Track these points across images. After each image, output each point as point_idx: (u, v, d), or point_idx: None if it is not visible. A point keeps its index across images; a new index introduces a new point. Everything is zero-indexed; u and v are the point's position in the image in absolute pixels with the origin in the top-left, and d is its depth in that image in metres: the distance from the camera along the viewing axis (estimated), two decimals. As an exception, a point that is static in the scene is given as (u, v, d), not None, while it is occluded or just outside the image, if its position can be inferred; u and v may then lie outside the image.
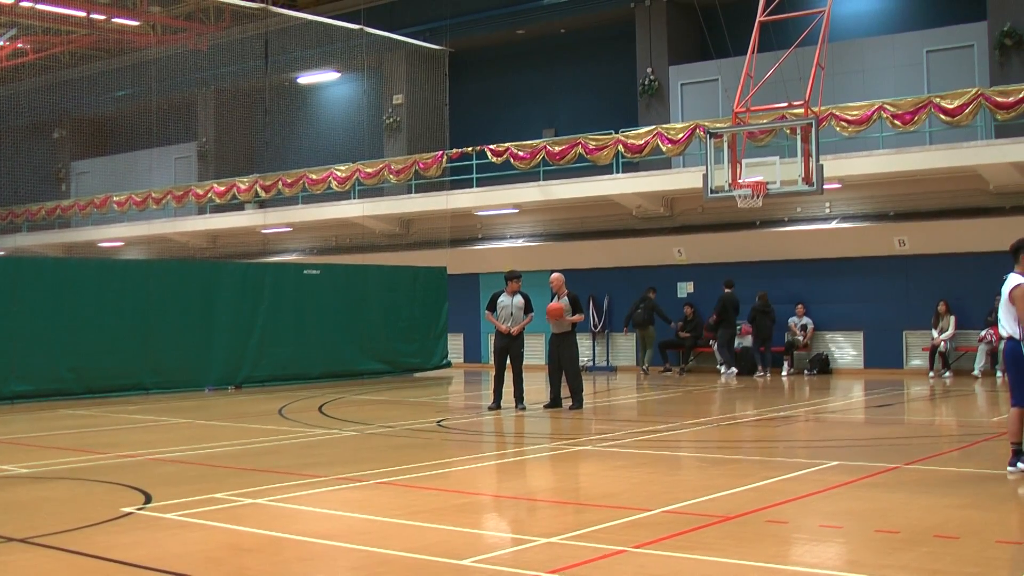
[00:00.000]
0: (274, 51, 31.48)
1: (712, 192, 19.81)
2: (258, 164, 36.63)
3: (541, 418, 16.66)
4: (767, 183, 19.12)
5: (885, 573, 6.71)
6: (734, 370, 25.29)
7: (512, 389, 17.61)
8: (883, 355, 25.10)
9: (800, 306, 25.48)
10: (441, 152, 30.44)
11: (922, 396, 20.48)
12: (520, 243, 30.16)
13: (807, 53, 20.42)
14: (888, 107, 23.29)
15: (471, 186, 29.94)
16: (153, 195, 36.75)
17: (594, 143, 27.16)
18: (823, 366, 25.36)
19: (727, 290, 25.80)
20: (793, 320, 25.50)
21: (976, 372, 23.01)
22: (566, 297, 17.36)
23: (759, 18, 20.38)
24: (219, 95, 38.96)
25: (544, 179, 28.53)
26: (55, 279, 21.00)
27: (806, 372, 25.15)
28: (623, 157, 26.98)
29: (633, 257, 28.15)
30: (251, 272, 24.87)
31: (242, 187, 34.41)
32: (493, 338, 18.34)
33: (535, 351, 24.28)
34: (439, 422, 16.46)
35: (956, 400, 19.66)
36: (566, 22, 32.34)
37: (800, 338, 25.37)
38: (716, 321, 25.73)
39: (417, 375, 27.20)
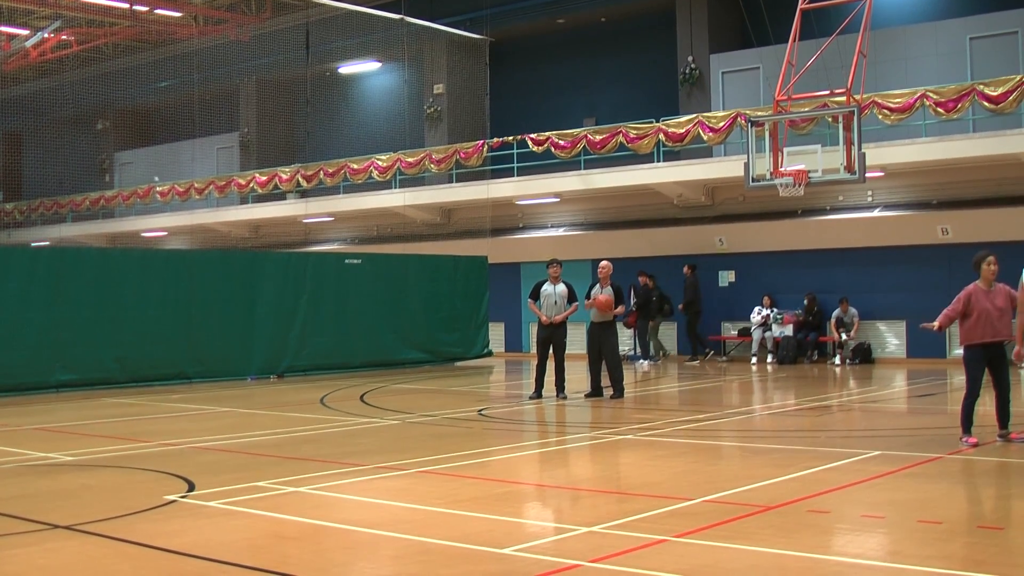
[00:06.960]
0: (315, 41, 31.56)
1: (753, 181, 19.76)
2: (300, 154, 36.79)
3: (582, 407, 16.66)
4: (809, 172, 19.05)
5: (928, 564, 6.68)
6: (644, 362, 26.24)
7: (553, 378, 17.65)
8: (926, 345, 24.87)
9: (844, 302, 25.18)
10: (482, 141, 30.42)
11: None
12: (561, 232, 30.13)
13: (849, 41, 20.28)
14: (931, 95, 23.08)
15: (512, 175, 29.90)
16: (196, 185, 36.97)
17: (635, 132, 27.08)
18: (866, 355, 25.18)
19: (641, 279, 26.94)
20: (837, 312, 25.20)
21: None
22: (609, 287, 17.33)
23: (801, 5, 20.28)
24: (261, 85, 39.23)
25: (585, 168, 28.49)
26: (99, 269, 21.20)
27: (848, 362, 24.95)
28: (664, 146, 26.88)
29: (674, 246, 28.05)
30: (293, 261, 24.94)
31: (284, 177, 34.57)
32: (536, 327, 18.35)
33: (576, 340, 24.25)
34: (480, 411, 16.50)
35: (1000, 390, 19.43)
36: (607, 11, 32.28)
37: (844, 336, 25.08)
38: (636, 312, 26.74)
39: (458, 364, 27.25)
